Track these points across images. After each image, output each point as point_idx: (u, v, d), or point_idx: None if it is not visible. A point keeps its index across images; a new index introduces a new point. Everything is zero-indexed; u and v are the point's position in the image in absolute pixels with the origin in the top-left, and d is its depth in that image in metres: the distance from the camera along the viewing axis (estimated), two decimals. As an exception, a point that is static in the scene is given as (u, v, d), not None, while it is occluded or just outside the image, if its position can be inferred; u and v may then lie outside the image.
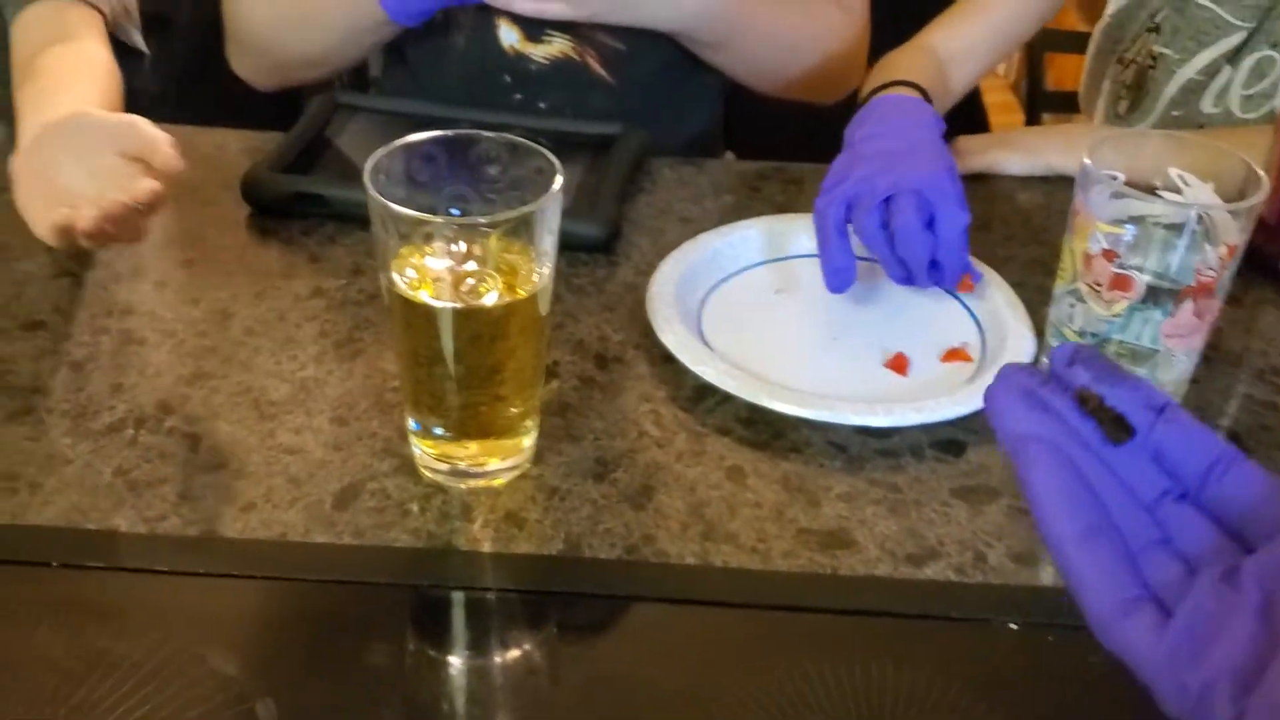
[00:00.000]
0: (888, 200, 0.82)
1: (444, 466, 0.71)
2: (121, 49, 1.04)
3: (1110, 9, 1.13)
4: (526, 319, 0.67)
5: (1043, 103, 1.81)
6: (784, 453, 0.74)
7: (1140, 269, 0.72)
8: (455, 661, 0.64)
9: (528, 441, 0.72)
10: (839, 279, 0.84)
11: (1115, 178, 0.72)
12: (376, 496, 0.70)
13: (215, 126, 1.05)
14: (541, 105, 1.13)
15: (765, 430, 0.76)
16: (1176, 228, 0.70)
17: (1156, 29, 1.07)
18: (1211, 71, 1.04)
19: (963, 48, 1.06)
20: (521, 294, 0.66)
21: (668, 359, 0.80)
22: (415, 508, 0.69)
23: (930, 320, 0.86)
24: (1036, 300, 0.84)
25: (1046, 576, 0.67)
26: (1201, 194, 0.72)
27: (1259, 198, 0.70)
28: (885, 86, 0.96)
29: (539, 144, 0.68)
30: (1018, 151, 1.05)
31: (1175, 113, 1.07)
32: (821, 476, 0.73)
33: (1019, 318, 0.83)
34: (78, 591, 0.65)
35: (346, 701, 0.59)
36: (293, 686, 0.60)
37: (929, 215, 0.82)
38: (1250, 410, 0.80)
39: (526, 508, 0.70)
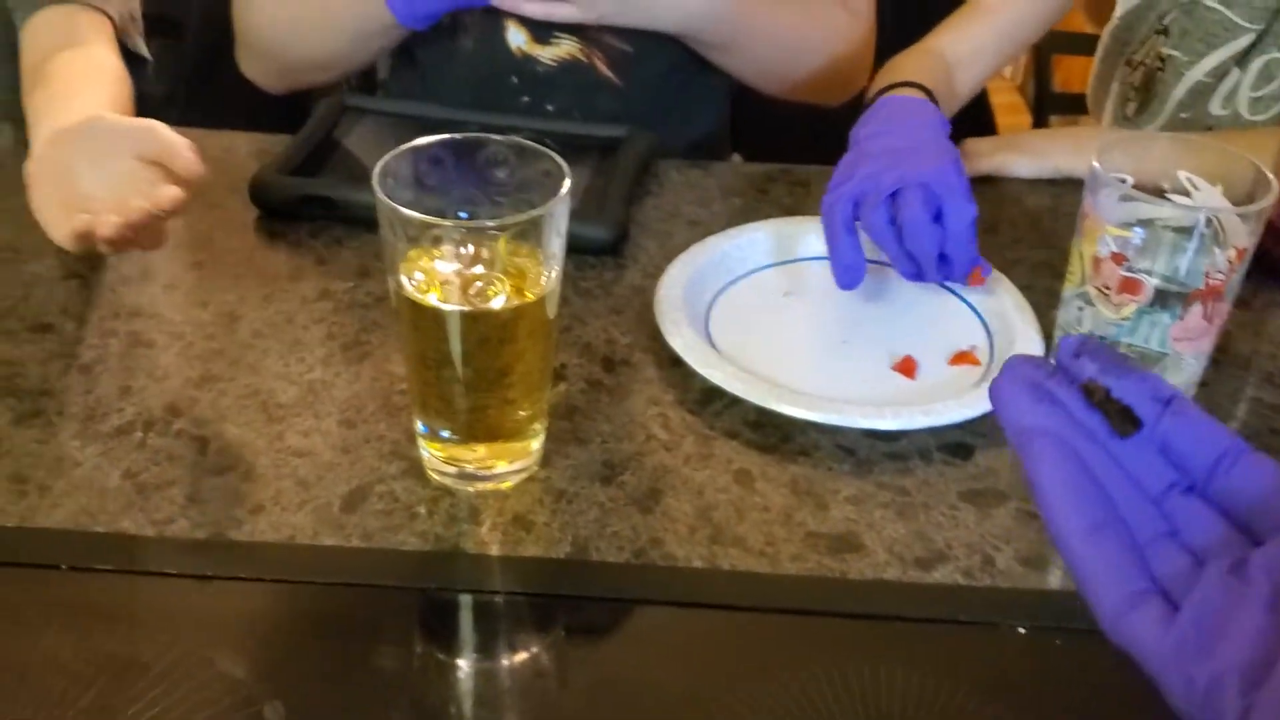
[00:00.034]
0: (894, 196, 0.83)
1: (452, 469, 0.71)
2: (126, 55, 1.04)
3: (1118, 11, 1.13)
4: (534, 322, 0.67)
5: (1050, 104, 1.81)
6: (792, 456, 0.74)
7: (1149, 272, 0.72)
8: (463, 664, 0.64)
9: (535, 444, 0.72)
10: (849, 276, 0.84)
11: (1124, 181, 0.72)
12: (384, 499, 0.70)
13: (223, 129, 1.05)
14: (549, 107, 1.13)
15: (773, 433, 0.75)
16: (1185, 231, 0.70)
17: (1165, 31, 1.07)
18: (1220, 74, 1.04)
19: (969, 50, 1.06)
20: (529, 297, 0.66)
21: (675, 362, 0.80)
22: (423, 510, 0.69)
23: (938, 323, 0.85)
24: (1044, 303, 0.84)
25: (1055, 580, 0.67)
26: (1210, 197, 0.72)
27: (1268, 201, 0.70)
28: (891, 87, 0.96)
29: (546, 147, 0.68)
30: (1025, 154, 1.04)
31: (1183, 115, 1.07)
32: (830, 480, 0.73)
33: (1027, 321, 0.83)
34: (86, 594, 0.65)
35: (354, 704, 0.59)
36: (301, 689, 0.60)
37: (936, 209, 0.82)
38: (1259, 413, 0.80)
39: (534, 511, 0.70)
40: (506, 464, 0.71)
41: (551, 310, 0.68)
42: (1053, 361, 0.43)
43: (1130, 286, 0.72)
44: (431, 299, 0.65)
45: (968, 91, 1.07)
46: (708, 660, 0.63)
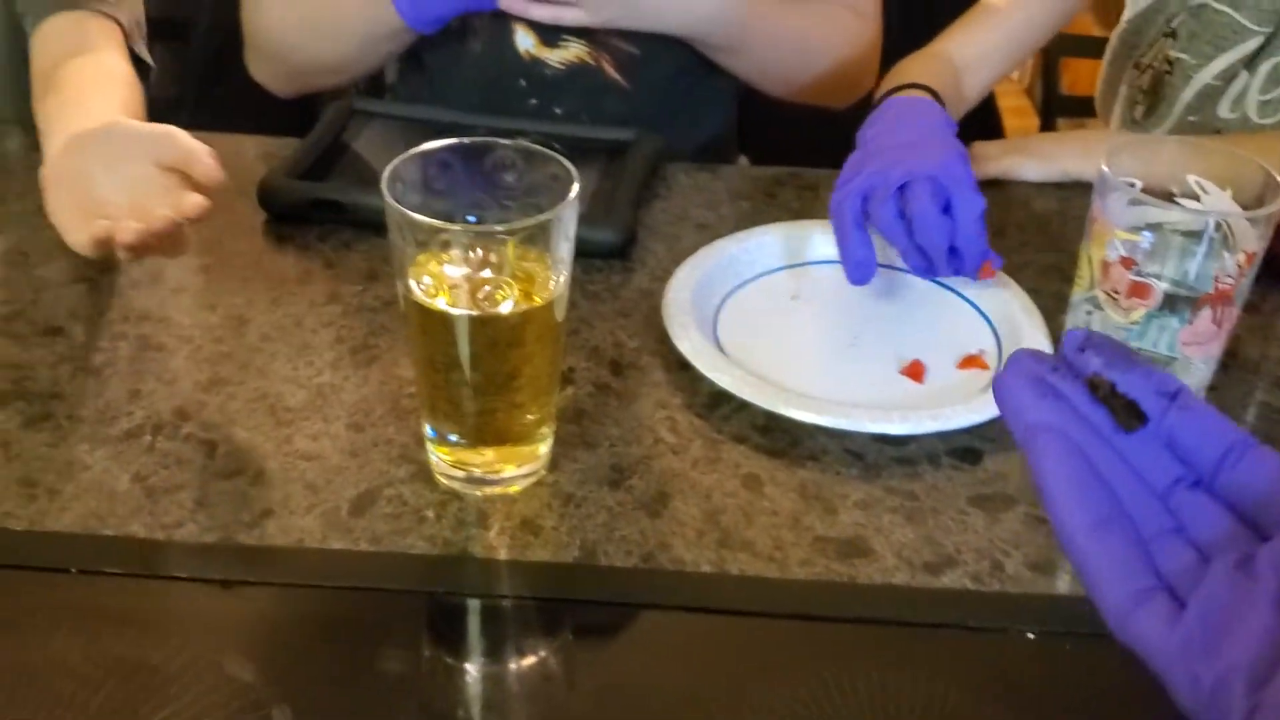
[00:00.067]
0: (902, 190, 0.82)
1: (460, 473, 0.71)
2: (132, 61, 1.04)
3: (1127, 14, 1.13)
4: (543, 326, 0.67)
5: (1057, 107, 1.81)
6: (800, 460, 0.74)
7: (1158, 276, 0.71)
8: (471, 669, 0.64)
9: (543, 448, 0.72)
10: (860, 271, 0.84)
11: (1133, 185, 0.72)
12: (393, 503, 0.70)
13: (231, 132, 1.05)
14: (557, 110, 1.13)
15: (782, 438, 0.75)
16: (1195, 235, 0.70)
17: (1173, 34, 1.07)
18: (1228, 77, 1.04)
19: (977, 54, 1.06)
20: (538, 301, 0.66)
21: (683, 365, 0.80)
22: (431, 514, 0.69)
23: (946, 327, 0.85)
24: (1053, 307, 0.84)
25: (1064, 585, 0.67)
26: (1220, 201, 0.72)
27: (1278, 205, 0.69)
28: (897, 89, 0.97)
29: (554, 150, 0.68)
30: (1034, 157, 1.04)
31: (1192, 118, 1.07)
32: (838, 484, 0.72)
33: (1035, 325, 0.83)
34: (95, 597, 0.65)
35: (362, 708, 0.59)
36: (308, 693, 0.60)
37: (945, 201, 0.82)
38: (1268, 418, 0.79)
39: (542, 515, 0.70)
40: (514, 468, 0.71)
41: (560, 314, 0.68)
42: (1058, 356, 0.43)
43: (1139, 291, 0.72)
44: (440, 303, 0.65)
45: (975, 95, 1.07)
46: (715, 665, 0.63)
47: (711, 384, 0.77)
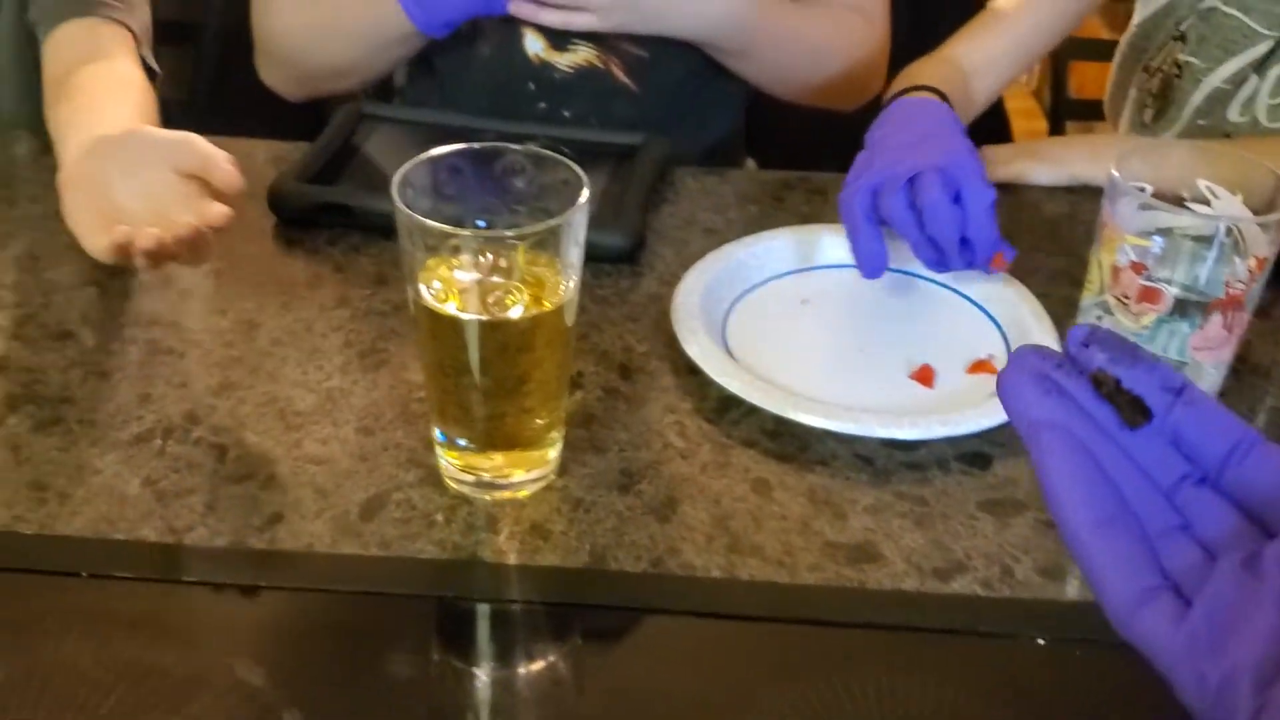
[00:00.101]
0: (912, 183, 0.82)
1: (469, 478, 0.71)
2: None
3: (1136, 18, 1.13)
4: (552, 331, 0.67)
5: (1066, 110, 1.80)
6: (810, 465, 0.74)
7: (1168, 281, 0.71)
8: (480, 673, 0.64)
9: (553, 453, 0.72)
10: (873, 265, 0.84)
11: (1143, 189, 0.71)
12: (402, 507, 0.70)
13: (240, 136, 1.05)
14: (565, 113, 1.13)
15: (791, 442, 0.75)
16: (1205, 240, 0.70)
17: (1182, 38, 1.07)
18: (1238, 80, 1.04)
19: (985, 59, 1.05)
20: (548, 306, 0.66)
21: (692, 370, 0.80)
22: (440, 519, 0.69)
23: (956, 332, 0.85)
24: (1062, 312, 0.84)
25: (1074, 591, 0.66)
26: (1230, 206, 0.72)
27: (1289, 210, 0.69)
28: (906, 91, 0.97)
29: (563, 155, 0.68)
30: (1043, 162, 1.04)
31: (1201, 122, 1.07)
32: (848, 489, 0.72)
33: (1045, 330, 0.83)
34: (106, 601, 0.65)
35: (371, 712, 0.60)
36: (318, 697, 0.60)
37: (955, 192, 0.82)
38: (1279, 423, 0.79)
39: (551, 519, 0.70)
40: (524, 472, 0.71)
41: (569, 319, 0.68)
42: (1062, 351, 0.42)
43: (1150, 296, 0.72)
44: (450, 308, 0.65)
45: (984, 100, 1.07)
46: (725, 670, 0.63)
47: (720, 388, 0.77)
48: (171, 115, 0.95)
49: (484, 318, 0.66)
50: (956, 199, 0.82)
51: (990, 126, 1.23)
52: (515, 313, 0.66)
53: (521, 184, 0.69)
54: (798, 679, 0.61)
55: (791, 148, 1.15)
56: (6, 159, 1.04)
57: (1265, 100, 1.03)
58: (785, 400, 0.76)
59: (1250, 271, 0.70)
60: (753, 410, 0.77)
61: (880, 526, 0.70)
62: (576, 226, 0.65)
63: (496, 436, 0.70)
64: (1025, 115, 2.27)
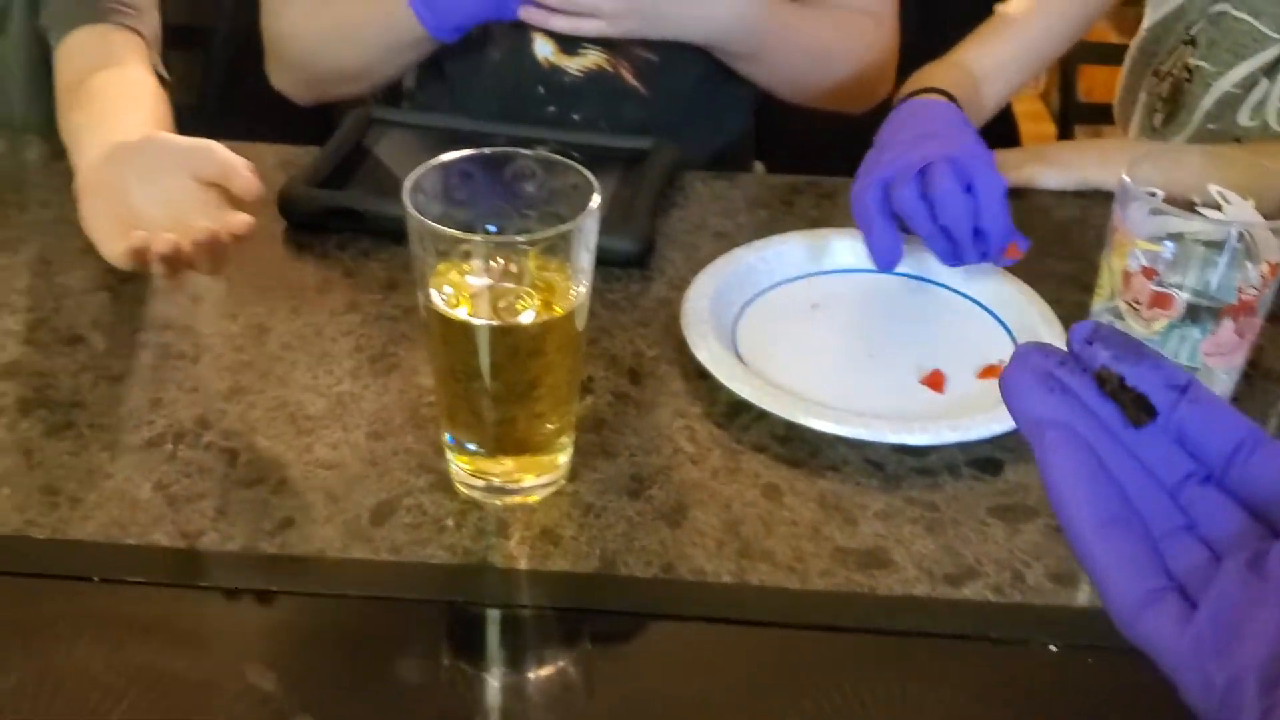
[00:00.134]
0: (923, 174, 0.83)
1: (480, 483, 0.71)
2: None
3: (1146, 22, 1.13)
4: (563, 336, 0.67)
5: (1075, 114, 1.80)
6: (820, 470, 0.74)
7: (1180, 287, 0.71)
8: (491, 678, 0.64)
9: (563, 458, 0.72)
10: (886, 256, 0.84)
11: (1154, 194, 0.71)
12: (413, 512, 0.70)
13: (250, 140, 1.06)
14: (575, 117, 1.13)
15: (801, 448, 0.75)
16: (1217, 245, 0.69)
17: (1192, 42, 1.07)
18: (1248, 84, 1.03)
19: (994, 64, 1.05)
20: (558, 311, 0.66)
21: (702, 375, 0.80)
22: (451, 524, 0.70)
23: (967, 337, 0.85)
24: (1073, 317, 0.83)
25: (1085, 597, 0.66)
26: (1242, 211, 0.72)
27: (1301, 215, 0.69)
28: (914, 93, 0.97)
29: (572, 159, 0.68)
30: (1053, 166, 1.04)
31: (1211, 126, 1.07)
32: (858, 495, 0.72)
33: (1055, 335, 0.82)
34: (117, 606, 0.65)
35: (382, 717, 0.60)
36: (329, 702, 0.60)
37: (966, 183, 0.82)
38: (1291, 428, 0.79)
39: (562, 524, 0.70)
40: (534, 477, 0.71)
41: (580, 324, 0.68)
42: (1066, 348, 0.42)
43: (1161, 301, 0.71)
44: (461, 313, 0.65)
45: (993, 105, 1.07)
46: (735, 675, 0.63)
47: (731, 393, 0.77)
48: (181, 119, 0.95)
49: (495, 323, 0.66)
50: (968, 190, 0.82)
51: (998, 130, 1.22)
52: (526, 318, 0.66)
53: (532, 189, 0.69)
54: (808, 685, 0.61)
55: (800, 151, 1.15)
56: (17, 164, 1.04)
57: (1275, 104, 1.02)
58: (795, 405, 0.76)
59: (1262, 277, 0.70)
60: (763, 415, 0.77)
61: (891, 532, 0.70)
62: (587, 231, 0.65)
63: (507, 441, 0.70)
64: (1034, 119, 2.27)
